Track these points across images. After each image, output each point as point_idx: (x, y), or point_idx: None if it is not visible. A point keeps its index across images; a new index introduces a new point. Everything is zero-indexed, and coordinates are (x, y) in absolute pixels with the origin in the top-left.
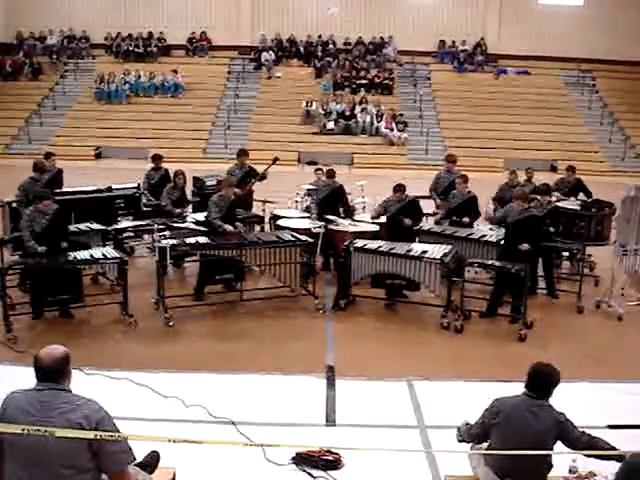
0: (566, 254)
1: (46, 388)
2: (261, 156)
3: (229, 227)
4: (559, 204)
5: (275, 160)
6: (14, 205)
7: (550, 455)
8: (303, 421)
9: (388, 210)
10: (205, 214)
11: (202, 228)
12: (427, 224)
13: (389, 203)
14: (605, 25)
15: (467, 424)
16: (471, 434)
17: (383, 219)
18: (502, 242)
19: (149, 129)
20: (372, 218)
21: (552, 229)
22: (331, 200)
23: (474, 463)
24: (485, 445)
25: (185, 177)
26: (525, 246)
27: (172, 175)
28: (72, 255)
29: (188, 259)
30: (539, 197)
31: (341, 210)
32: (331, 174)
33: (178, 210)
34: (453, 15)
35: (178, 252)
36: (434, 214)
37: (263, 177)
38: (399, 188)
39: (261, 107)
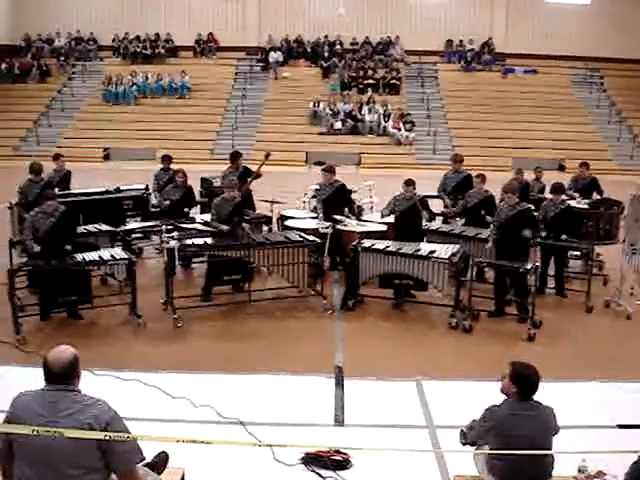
0: (577, 253)
1: (55, 389)
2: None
3: (224, 227)
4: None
5: (267, 156)
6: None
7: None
8: (312, 421)
9: (396, 209)
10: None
11: (210, 229)
12: (435, 224)
13: (398, 202)
14: (612, 23)
15: (470, 429)
16: (471, 442)
17: (390, 219)
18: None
19: (157, 130)
20: (382, 217)
21: (564, 237)
22: (335, 199)
23: (479, 468)
24: (487, 447)
25: (185, 176)
26: (527, 233)
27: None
28: (80, 256)
29: (196, 260)
30: (551, 196)
31: (346, 209)
32: (329, 169)
33: (167, 207)
34: (460, 14)
35: (186, 253)
36: (442, 214)
37: (258, 175)
38: (410, 182)
39: (268, 108)
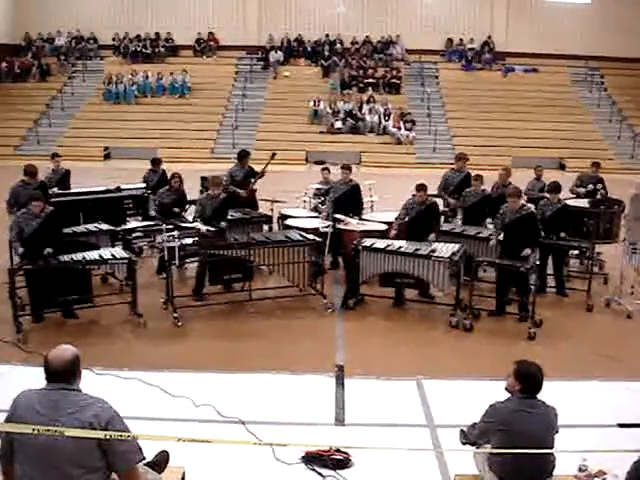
0: (575, 252)
1: (56, 388)
2: (269, 156)
3: (202, 227)
4: (568, 202)
5: (273, 155)
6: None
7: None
8: (312, 420)
9: (409, 213)
10: None
11: (210, 228)
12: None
13: (410, 206)
14: (613, 22)
15: (472, 428)
16: (474, 440)
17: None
18: (501, 242)
19: (157, 129)
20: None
21: (562, 234)
22: (347, 199)
23: (480, 467)
24: (489, 446)
25: (181, 179)
26: (527, 251)
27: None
28: (81, 255)
29: (189, 259)
30: (548, 195)
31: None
32: (347, 167)
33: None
34: (460, 13)
35: (186, 252)
36: (444, 213)
37: (262, 174)
38: (421, 187)
39: (269, 107)
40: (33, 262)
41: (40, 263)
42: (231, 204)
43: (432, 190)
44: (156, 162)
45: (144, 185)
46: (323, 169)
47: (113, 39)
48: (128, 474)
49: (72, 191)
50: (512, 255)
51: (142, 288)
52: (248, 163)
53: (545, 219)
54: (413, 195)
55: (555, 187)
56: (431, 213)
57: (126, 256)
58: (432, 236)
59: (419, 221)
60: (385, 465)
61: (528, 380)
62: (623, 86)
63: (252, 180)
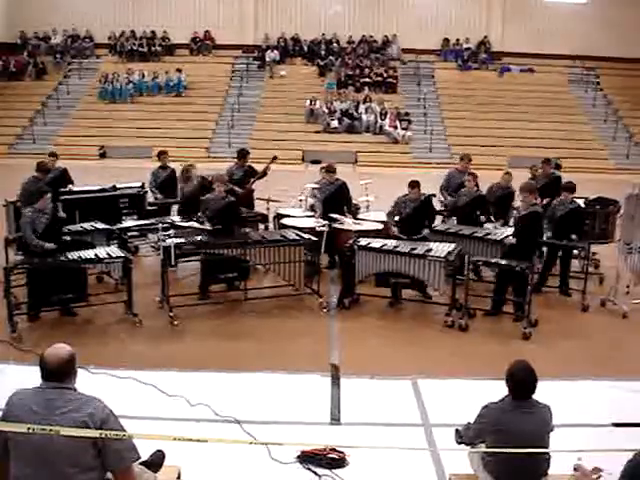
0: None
1: (51, 387)
2: (265, 155)
3: (207, 226)
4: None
5: (274, 158)
6: (19, 204)
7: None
8: (308, 420)
9: (402, 210)
10: None
11: (207, 227)
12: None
13: (403, 203)
14: (609, 22)
15: (467, 429)
16: (469, 441)
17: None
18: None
19: (153, 128)
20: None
21: (574, 236)
22: (336, 198)
23: (474, 466)
24: (484, 445)
25: (194, 169)
26: (510, 239)
27: (180, 173)
28: (77, 254)
29: (184, 258)
30: (562, 195)
31: (345, 208)
32: (331, 169)
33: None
34: (457, 13)
35: (183, 251)
36: (440, 212)
37: (262, 175)
38: (415, 184)
39: (265, 106)
40: (29, 260)
41: (36, 261)
42: (238, 205)
43: (426, 189)
44: (163, 155)
45: (152, 182)
46: (322, 168)
47: (109, 37)
48: (123, 473)
49: (68, 190)
50: (519, 254)
51: (137, 287)
52: (247, 162)
53: (555, 219)
54: (405, 194)
55: (569, 187)
56: (426, 208)
57: (122, 255)
58: (426, 231)
59: (414, 217)
60: (380, 464)
61: (514, 381)
62: (619, 86)
63: (252, 179)
